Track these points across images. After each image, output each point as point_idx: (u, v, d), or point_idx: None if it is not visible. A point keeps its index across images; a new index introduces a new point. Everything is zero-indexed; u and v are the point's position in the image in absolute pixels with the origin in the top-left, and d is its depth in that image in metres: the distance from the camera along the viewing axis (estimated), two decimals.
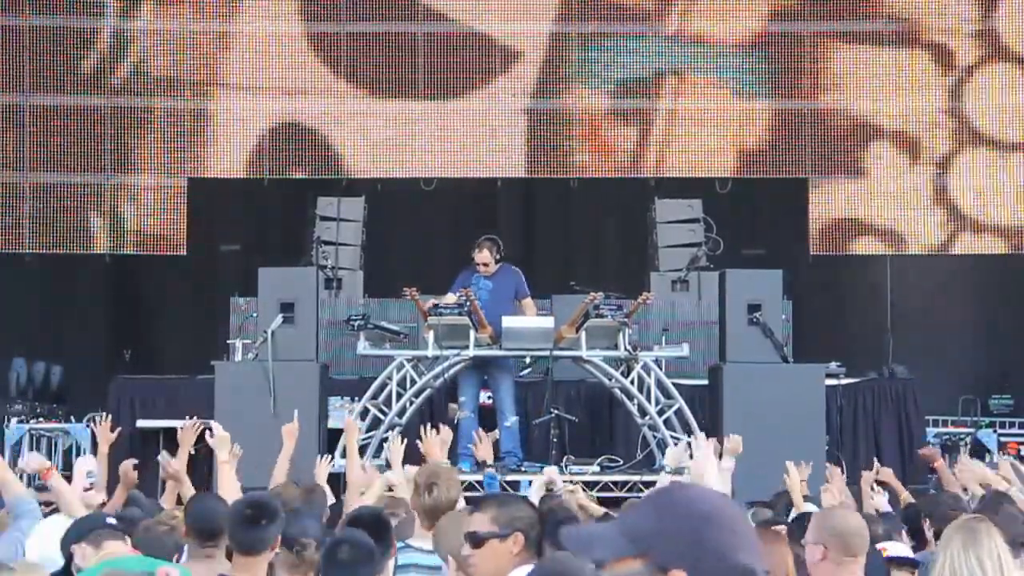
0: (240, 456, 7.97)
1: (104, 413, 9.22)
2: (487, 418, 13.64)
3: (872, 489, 9.70)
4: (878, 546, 6.41)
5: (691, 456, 10.20)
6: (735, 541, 2.51)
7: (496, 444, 13.38)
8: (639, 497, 9.48)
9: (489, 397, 13.73)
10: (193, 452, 9.46)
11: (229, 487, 7.14)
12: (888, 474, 10.39)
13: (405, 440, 8.79)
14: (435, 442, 8.61)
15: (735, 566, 2.49)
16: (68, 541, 6.00)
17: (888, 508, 9.34)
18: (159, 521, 6.35)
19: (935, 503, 8.22)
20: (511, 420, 13.29)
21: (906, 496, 9.89)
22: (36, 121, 16.75)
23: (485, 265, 13.42)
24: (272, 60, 16.99)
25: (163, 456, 8.50)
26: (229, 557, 5.73)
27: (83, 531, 5.99)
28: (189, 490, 8.12)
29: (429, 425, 8.94)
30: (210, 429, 7.91)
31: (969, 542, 5.01)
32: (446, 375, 13.26)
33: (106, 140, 16.79)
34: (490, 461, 10.62)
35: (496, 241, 13.57)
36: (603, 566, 2.53)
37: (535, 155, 16.98)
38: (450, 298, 13.24)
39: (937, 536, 6.63)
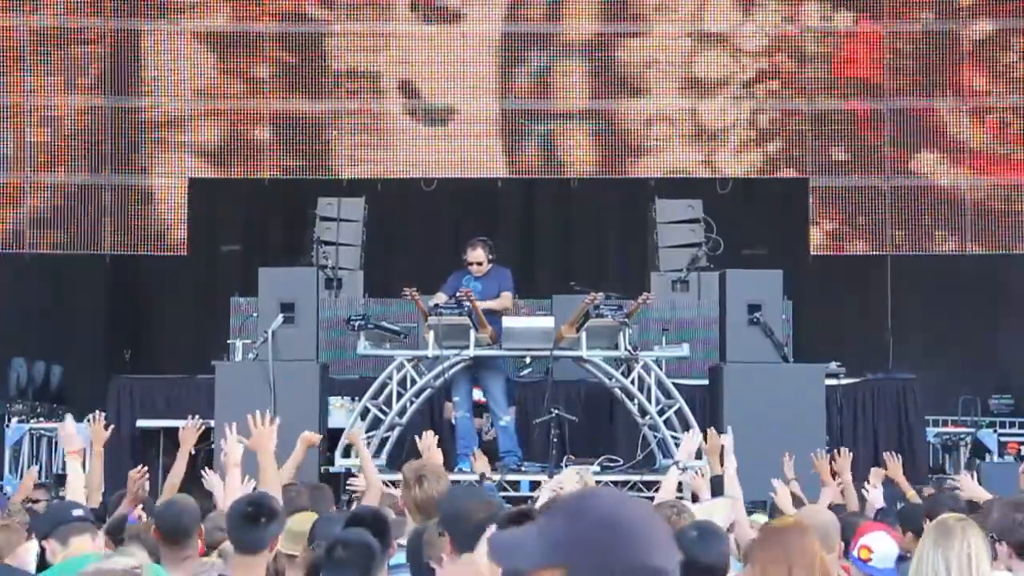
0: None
1: (97, 412, 9.14)
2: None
3: (872, 484, 9.72)
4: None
5: (700, 455, 10.29)
6: (645, 545, 2.54)
7: (494, 443, 13.40)
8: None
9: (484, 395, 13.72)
10: (193, 452, 9.44)
11: (239, 493, 7.10)
12: (895, 470, 10.37)
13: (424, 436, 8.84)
14: (432, 443, 8.68)
15: (647, 569, 2.52)
16: (39, 535, 5.91)
17: (882, 503, 9.36)
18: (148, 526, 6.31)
19: (936, 503, 8.22)
20: (505, 419, 13.28)
21: (913, 495, 9.89)
22: (37, 121, 16.75)
23: (478, 264, 13.38)
24: (273, 60, 16.99)
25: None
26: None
27: (50, 526, 5.84)
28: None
29: (432, 433, 8.99)
30: (211, 431, 7.84)
31: (940, 541, 4.98)
32: (446, 375, 13.24)
33: (107, 140, 16.78)
34: (487, 473, 10.60)
35: (488, 242, 13.53)
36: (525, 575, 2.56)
37: (534, 155, 16.97)
38: (440, 297, 13.22)
39: None
